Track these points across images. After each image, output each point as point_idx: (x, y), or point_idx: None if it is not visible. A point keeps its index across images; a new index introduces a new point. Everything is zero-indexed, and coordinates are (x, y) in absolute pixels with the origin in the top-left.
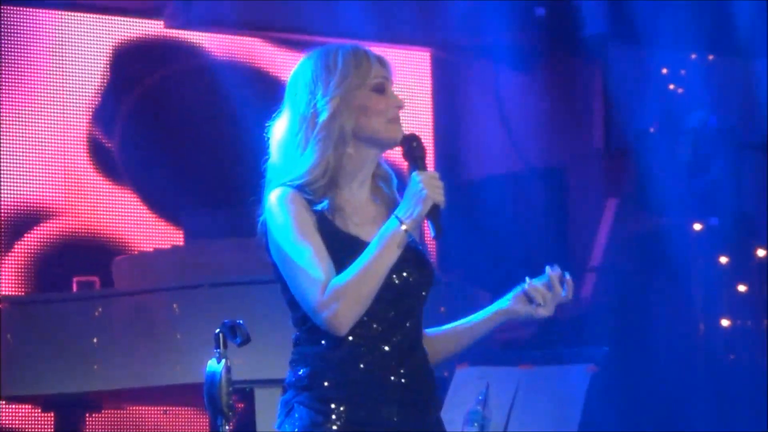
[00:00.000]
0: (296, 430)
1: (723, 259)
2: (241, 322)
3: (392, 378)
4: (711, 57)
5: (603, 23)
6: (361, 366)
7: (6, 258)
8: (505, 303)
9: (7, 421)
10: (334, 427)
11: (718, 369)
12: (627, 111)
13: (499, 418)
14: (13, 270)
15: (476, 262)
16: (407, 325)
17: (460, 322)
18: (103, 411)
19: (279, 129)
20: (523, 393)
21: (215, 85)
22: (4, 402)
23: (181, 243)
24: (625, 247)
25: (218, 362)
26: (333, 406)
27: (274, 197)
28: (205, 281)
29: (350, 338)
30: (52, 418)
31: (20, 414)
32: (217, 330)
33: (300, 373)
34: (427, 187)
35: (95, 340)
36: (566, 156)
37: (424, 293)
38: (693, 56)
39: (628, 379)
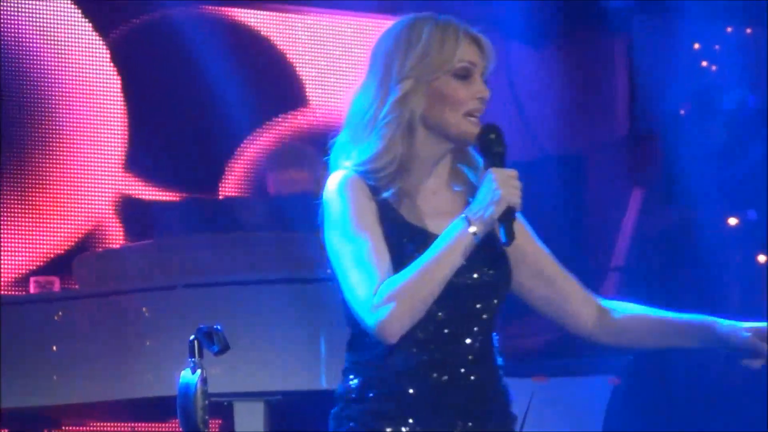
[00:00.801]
0: None
1: (761, 258)
2: (218, 327)
3: (455, 390)
4: (749, 30)
5: None
6: (420, 376)
7: None
8: (743, 334)
9: None
10: None
11: (757, 381)
12: (654, 91)
13: None
14: None
15: None
16: (474, 330)
17: (668, 315)
18: (63, 428)
19: (353, 101)
20: (536, 408)
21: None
22: None
23: (152, 238)
24: (652, 244)
25: (193, 373)
26: (386, 422)
27: (332, 182)
28: (178, 282)
29: (407, 345)
30: None
31: None
32: (192, 336)
33: (350, 383)
34: (502, 187)
35: (54, 348)
36: (586, 142)
37: (496, 295)
38: (728, 29)
39: (654, 393)
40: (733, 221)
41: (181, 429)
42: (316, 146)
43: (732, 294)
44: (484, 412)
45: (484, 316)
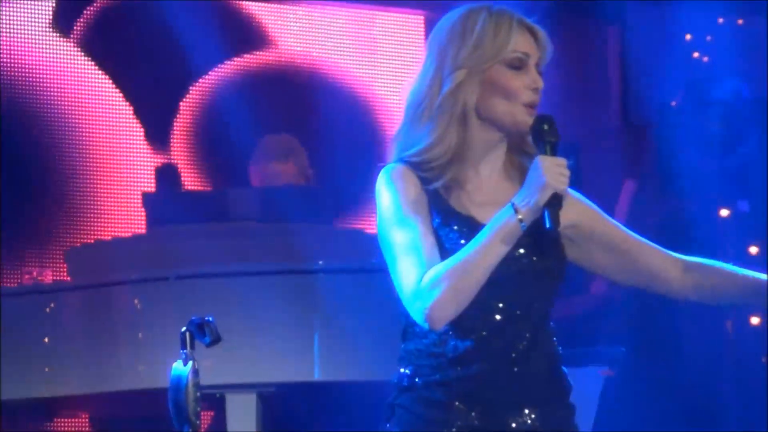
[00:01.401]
0: (397, 430)
1: (753, 249)
2: (210, 318)
3: (506, 378)
4: (740, 21)
5: None
6: (469, 364)
7: None
8: None
9: None
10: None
11: (747, 372)
12: (647, 82)
13: None
14: None
15: None
16: (527, 319)
17: (751, 274)
18: (55, 420)
19: (410, 92)
20: None
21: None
22: None
23: (143, 230)
24: (645, 235)
25: (185, 365)
26: (435, 410)
27: (382, 174)
28: (170, 273)
29: (457, 332)
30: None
31: None
32: (184, 328)
33: (402, 371)
34: (548, 173)
35: (46, 340)
36: (578, 132)
37: (550, 283)
38: (720, 20)
39: (646, 384)
40: (725, 212)
41: (173, 421)
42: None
43: None
44: (537, 400)
45: (537, 305)
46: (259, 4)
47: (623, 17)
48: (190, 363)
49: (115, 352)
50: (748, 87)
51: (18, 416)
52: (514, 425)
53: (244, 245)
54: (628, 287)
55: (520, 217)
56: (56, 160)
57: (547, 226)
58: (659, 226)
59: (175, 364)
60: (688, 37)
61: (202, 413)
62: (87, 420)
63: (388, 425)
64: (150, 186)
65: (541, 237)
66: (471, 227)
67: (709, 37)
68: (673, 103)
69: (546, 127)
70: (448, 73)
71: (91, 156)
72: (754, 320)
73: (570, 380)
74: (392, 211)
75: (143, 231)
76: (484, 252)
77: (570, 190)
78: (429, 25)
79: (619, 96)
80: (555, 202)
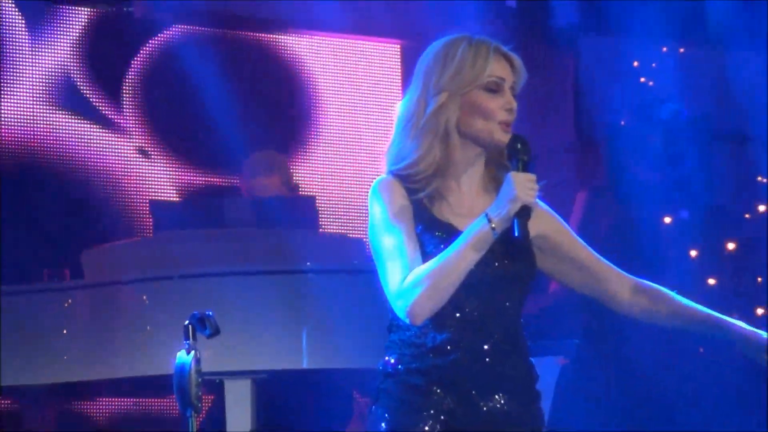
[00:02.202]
0: (382, 411)
1: (693, 252)
2: (210, 313)
3: (479, 367)
4: (682, 50)
5: (574, 14)
6: (446, 354)
7: None
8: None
9: None
10: (408, 412)
11: (689, 364)
12: (598, 103)
13: None
14: None
15: None
16: (500, 317)
17: (705, 310)
18: (72, 402)
19: (399, 110)
20: None
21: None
22: None
23: (150, 234)
24: (596, 240)
25: (188, 354)
26: (415, 394)
27: (374, 186)
28: (174, 273)
29: (436, 326)
30: (21, 410)
31: None
32: (186, 322)
33: (387, 359)
34: (518, 188)
35: (65, 332)
36: (537, 148)
37: (520, 286)
38: (664, 49)
39: (598, 371)
40: (668, 220)
41: (177, 404)
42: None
43: (666, 284)
44: (507, 387)
45: (508, 304)
46: (243, 33)
47: (578, 46)
48: (193, 352)
49: (125, 342)
50: (688, 108)
51: (39, 400)
52: (485, 408)
53: (239, 248)
54: (587, 297)
55: (492, 225)
56: (73, 173)
57: (516, 234)
58: (610, 232)
59: (179, 354)
60: (635, 63)
61: (203, 397)
62: (102, 402)
63: (374, 407)
64: (155, 194)
65: (513, 245)
66: (450, 234)
67: (654, 64)
68: (623, 122)
69: (519, 146)
70: (432, 95)
71: (104, 167)
72: None
73: (537, 370)
74: (380, 219)
75: (150, 235)
76: (459, 257)
77: (545, 207)
78: (406, 54)
79: (574, 115)
80: (524, 213)
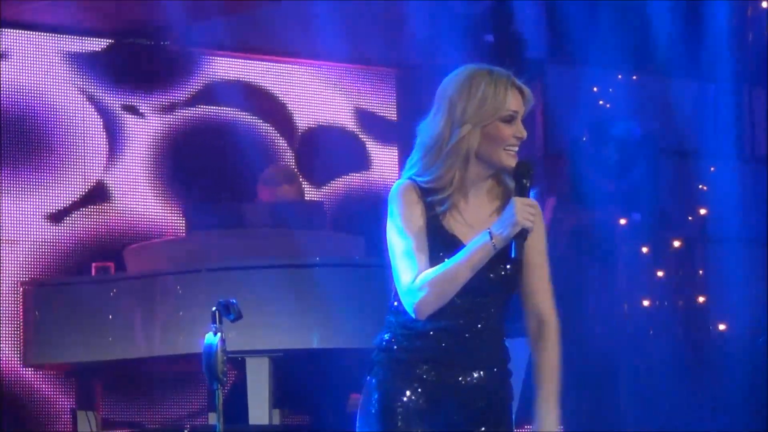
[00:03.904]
0: (374, 380)
1: (644, 249)
2: (234, 300)
3: (460, 349)
4: (635, 77)
5: (543, 47)
6: (433, 338)
7: (39, 248)
8: None
9: (35, 385)
10: (397, 381)
11: (640, 343)
12: (563, 122)
13: None
14: (45, 257)
15: None
16: (485, 312)
17: (545, 390)
18: (116, 376)
19: (425, 130)
20: None
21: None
22: (32, 369)
23: (184, 233)
24: (562, 238)
25: (215, 335)
26: (403, 368)
27: (394, 188)
28: (203, 266)
29: (430, 315)
30: (73, 383)
31: (46, 379)
32: (214, 308)
33: (383, 336)
34: (519, 213)
35: (110, 317)
36: None
37: (506, 290)
38: (619, 76)
39: (564, 351)
40: (623, 221)
41: (205, 378)
42: None
43: (621, 275)
44: (483, 365)
45: (493, 304)
46: (239, 60)
47: (546, 74)
48: (219, 334)
49: (161, 326)
50: (639, 126)
51: (85, 375)
52: (463, 382)
53: (258, 246)
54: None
55: (494, 242)
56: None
57: (513, 255)
58: (573, 232)
59: (207, 335)
60: (594, 89)
61: (228, 372)
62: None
63: (368, 377)
64: (188, 199)
65: (507, 257)
66: (452, 245)
67: (610, 89)
68: (584, 138)
69: (524, 170)
70: (456, 126)
71: (143, 176)
72: (645, 303)
73: (509, 352)
74: (397, 219)
75: (183, 234)
76: (464, 266)
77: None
78: (399, 79)
79: (542, 132)
80: (521, 235)
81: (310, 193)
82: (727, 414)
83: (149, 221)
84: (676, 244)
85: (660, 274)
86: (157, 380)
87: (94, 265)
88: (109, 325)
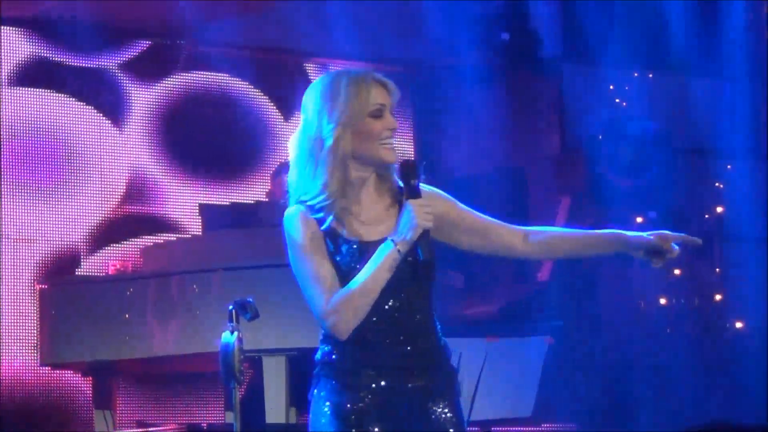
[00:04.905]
0: (323, 393)
1: None
2: (251, 300)
3: (399, 351)
4: (650, 75)
5: (559, 46)
6: (369, 343)
7: (54, 247)
8: (648, 237)
9: (53, 384)
10: (346, 391)
11: (656, 340)
12: (579, 120)
13: (469, 384)
14: (66, 256)
15: (451, 249)
16: (409, 308)
17: (592, 231)
18: (133, 375)
19: (296, 146)
20: (490, 362)
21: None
22: (50, 368)
23: (200, 233)
24: None
25: (231, 334)
26: (346, 376)
27: (287, 218)
28: (220, 265)
29: (360, 325)
30: (91, 382)
31: (64, 378)
32: (230, 307)
33: (322, 349)
34: (417, 216)
35: (127, 316)
36: (527, 159)
37: (423, 282)
38: (635, 74)
39: (580, 349)
40: (639, 219)
41: (222, 376)
42: None
43: (638, 274)
44: (426, 368)
45: (416, 292)
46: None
47: (562, 73)
48: (236, 333)
49: (177, 325)
50: (655, 125)
51: (102, 374)
52: (410, 385)
53: (273, 245)
54: (490, 256)
55: (398, 248)
56: (138, 186)
57: (421, 258)
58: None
59: (224, 334)
60: (611, 87)
61: (244, 371)
62: (155, 375)
63: (315, 390)
64: (204, 199)
65: (414, 250)
66: (360, 247)
67: (626, 87)
68: (600, 137)
69: (410, 171)
70: (327, 132)
71: (160, 179)
72: (662, 300)
73: (449, 349)
74: (296, 248)
75: (199, 233)
76: (373, 279)
77: (433, 190)
78: (414, 78)
79: (558, 131)
80: (425, 236)
81: None
82: (744, 411)
83: (166, 220)
84: None
85: (677, 272)
86: (173, 379)
87: (111, 264)
88: (125, 324)
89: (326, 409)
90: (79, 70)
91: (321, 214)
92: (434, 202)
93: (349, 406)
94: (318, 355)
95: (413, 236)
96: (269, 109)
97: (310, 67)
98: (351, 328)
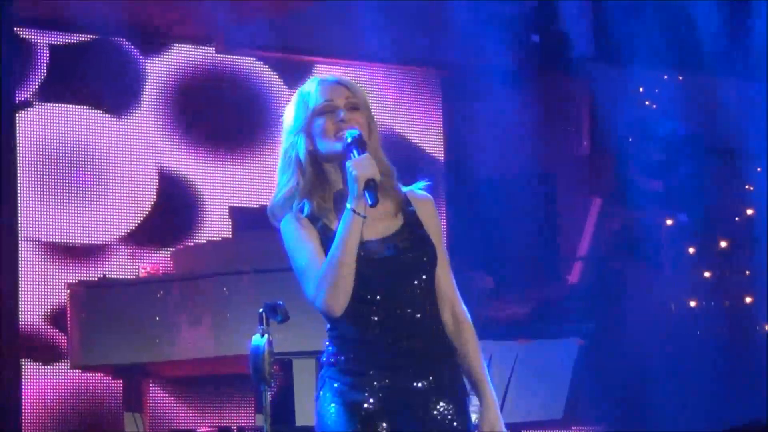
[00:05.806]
0: (328, 394)
1: (691, 249)
2: (281, 302)
3: (402, 350)
4: (680, 77)
5: (589, 48)
6: (370, 342)
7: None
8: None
9: (83, 387)
10: (352, 391)
11: (686, 343)
12: (608, 122)
13: (499, 386)
14: (97, 259)
15: (481, 251)
16: (413, 302)
17: (478, 378)
18: (163, 377)
19: (279, 160)
20: (520, 364)
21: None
22: (80, 370)
23: (230, 235)
24: (608, 239)
25: (262, 337)
26: (351, 376)
27: (281, 224)
28: (250, 268)
29: (359, 321)
30: (121, 384)
31: (94, 381)
32: (261, 309)
33: (329, 350)
34: (356, 168)
35: (157, 318)
36: (557, 160)
37: (423, 272)
38: (665, 77)
39: (610, 351)
40: (669, 221)
41: (252, 379)
42: None
43: (668, 276)
44: (431, 367)
45: (418, 291)
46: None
47: (593, 74)
48: (266, 336)
49: (208, 327)
50: (685, 126)
51: (133, 377)
52: (415, 384)
53: None
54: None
55: (354, 209)
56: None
57: (370, 203)
58: (620, 232)
59: (254, 337)
60: (641, 89)
61: (275, 374)
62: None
63: (321, 392)
64: (233, 202)
65: (410, 237)
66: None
67: (656, 89)
68: (630, 138)
69: (349, 138)
70: (288, 142)
71: (190, 182)
72: (692, 303)
73: (452, 343)
74: (291, 245)
75: (230, 236)
76: (341, 247)
77: (427, 195)
78: (445, 80)
79: (588, 133)
80: (371, 184)
81: None
82: None
83: (196, 222)
84: (723, 244)
85: (707, 274)
86: (204, 382)
87: (141, 266)
88: (156, 327)
89: (332, 409)
90: (107, 76)
91: (306, 209)
92: (423, 207)
93: (354, 406)
94: (323, 357)
95: (359, 189)
96: None
97: (340, 70)
98: (341, 303)
